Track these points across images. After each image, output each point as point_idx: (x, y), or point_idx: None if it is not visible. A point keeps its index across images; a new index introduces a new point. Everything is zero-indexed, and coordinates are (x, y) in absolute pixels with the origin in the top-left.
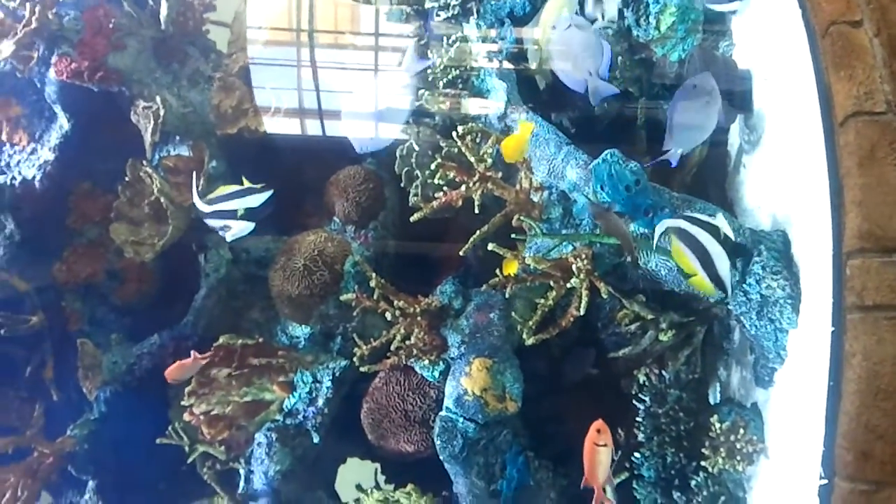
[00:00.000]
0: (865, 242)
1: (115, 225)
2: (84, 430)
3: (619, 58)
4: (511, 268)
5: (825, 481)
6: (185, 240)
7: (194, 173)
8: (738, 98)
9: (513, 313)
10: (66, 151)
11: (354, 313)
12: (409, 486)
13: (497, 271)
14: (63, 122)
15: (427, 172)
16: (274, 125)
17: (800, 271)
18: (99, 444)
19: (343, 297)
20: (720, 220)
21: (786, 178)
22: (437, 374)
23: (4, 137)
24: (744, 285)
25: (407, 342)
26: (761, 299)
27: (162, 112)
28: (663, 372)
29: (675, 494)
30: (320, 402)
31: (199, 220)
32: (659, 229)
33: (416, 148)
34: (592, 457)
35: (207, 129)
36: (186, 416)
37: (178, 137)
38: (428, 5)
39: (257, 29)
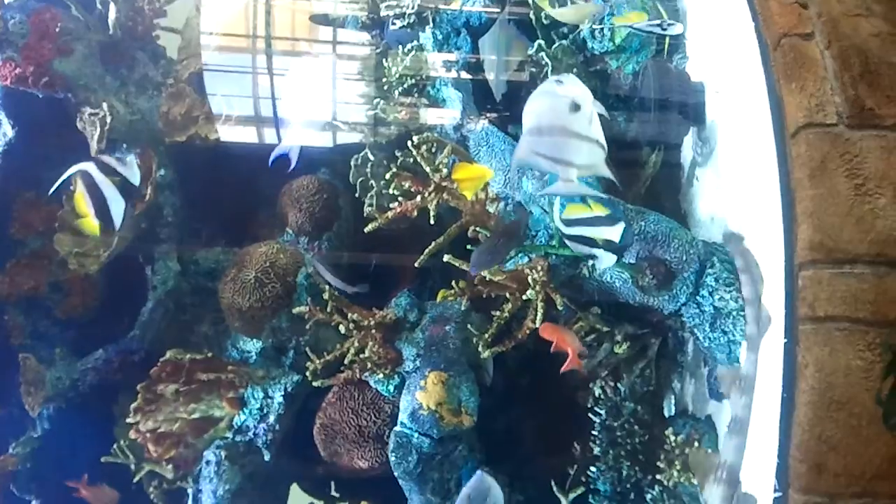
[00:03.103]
0: (817, 254)
1: (59, 235)
2: (26, 447)
3: (574, 70)
4: None
5: (779, 494)
6: (131, 251)
7: None
8: (690, 111)
9: (469, 326)
10: (9, 159)
11: (307, 326)
12: None
13: (453, 282)
14: (6, 129)
15: (382, 182)
16: (226, 133)
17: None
18: (42, 462)
19: (295, 310)
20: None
21: (738, 189)
22: (391, 388)
23: None
24: (697, 297)
25: (361, 356)
26: (714, 311)
27: (108, 119)
28: (618, 384)
29: None
30: (271, 418)
31: (146, 230)
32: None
33: (371, 158)
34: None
35: (155, 137)
36: (132, 434)
37: (125, 145)
38: (384, 14)
39: (209, 35)
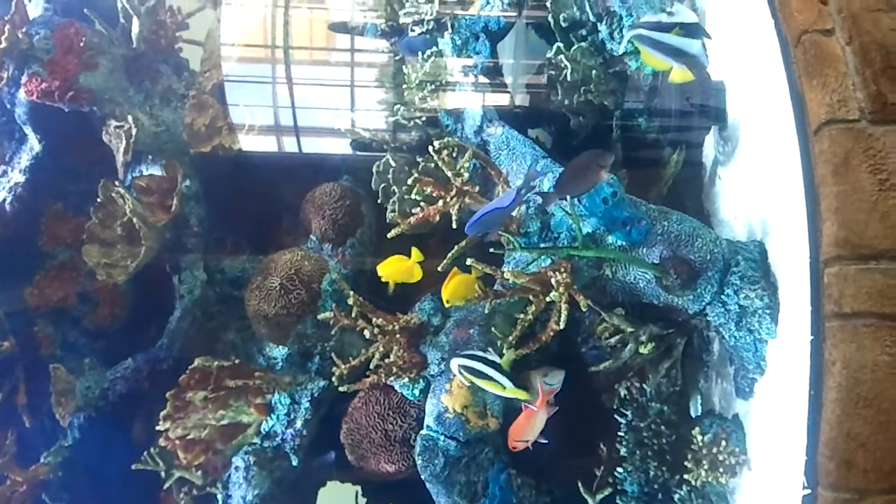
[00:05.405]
0: (842, 250)
1: (87, 247)
2: (58, 457)
3: (594, 71)
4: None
5: (808, 491)
6: (158, 261)
7: None
8: (711, 110)
9: (493, 329)
10: (36, 173)
11: (332, 332)
12: None
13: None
14: (34, 144)
15: (404, 188)
16: (249, 143)
17: (777, 281)
18: (73, 471)
19: (321, 316)
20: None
21: (761, 188)
22: (417, 392)
23: None
24: (722, 296)
25: (386, 360)
26: (740, 310)
27: (134, 131)
28: (644, 385)
29: None
30: (299, 423)
31: (173, 241)
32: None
33: (393, 164)
34: None
35: (181, 148)
36: (162, 441)
37: (150, 157)
38: (402, 21)
39: (231, 46)
